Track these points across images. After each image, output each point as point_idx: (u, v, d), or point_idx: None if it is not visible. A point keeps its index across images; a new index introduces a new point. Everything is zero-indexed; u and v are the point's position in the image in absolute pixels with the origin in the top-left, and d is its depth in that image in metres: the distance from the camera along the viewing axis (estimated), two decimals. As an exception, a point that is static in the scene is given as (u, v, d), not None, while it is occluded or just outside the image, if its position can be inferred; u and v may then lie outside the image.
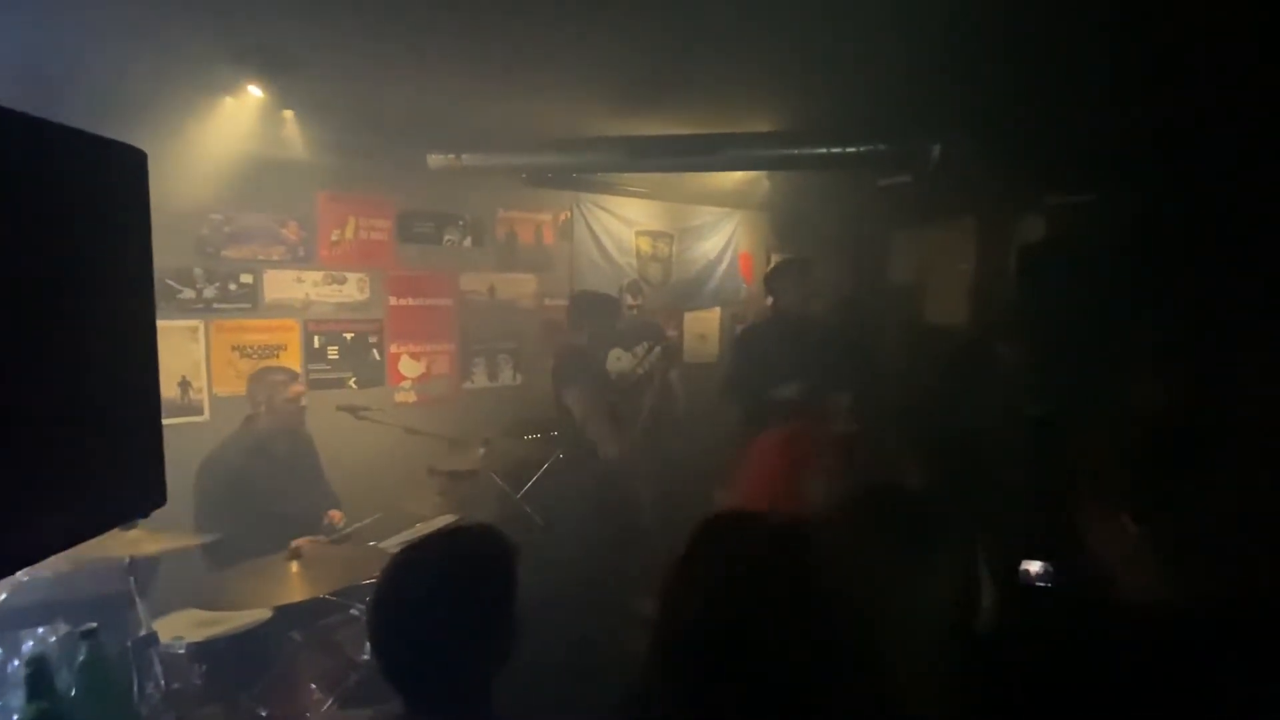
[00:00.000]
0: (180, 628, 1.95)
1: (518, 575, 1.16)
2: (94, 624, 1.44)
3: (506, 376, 4.06)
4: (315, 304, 3.43)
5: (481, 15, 2.17)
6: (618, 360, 3.71)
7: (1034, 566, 1.53)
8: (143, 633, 1.72)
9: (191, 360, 3.12)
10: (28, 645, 1.65)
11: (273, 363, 3.20)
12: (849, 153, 3.14)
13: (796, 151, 3.26)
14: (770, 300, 3.28)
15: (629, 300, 3.92)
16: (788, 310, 3.16)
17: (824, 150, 3.19)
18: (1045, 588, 1.52)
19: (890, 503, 1.24)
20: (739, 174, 4.36)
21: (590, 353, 3.44)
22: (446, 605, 1.07)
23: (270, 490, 2.56)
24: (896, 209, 3.97)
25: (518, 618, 1.15)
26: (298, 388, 2.72)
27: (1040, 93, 2.65)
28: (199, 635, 1.91)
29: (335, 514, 2.70)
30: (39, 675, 1.30)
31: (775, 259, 4.96)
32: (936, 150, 3.08)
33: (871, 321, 4.03)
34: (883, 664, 0.98)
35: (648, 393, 3.66)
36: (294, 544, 2.38)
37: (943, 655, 1.02)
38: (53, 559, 0.72)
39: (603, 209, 4.33)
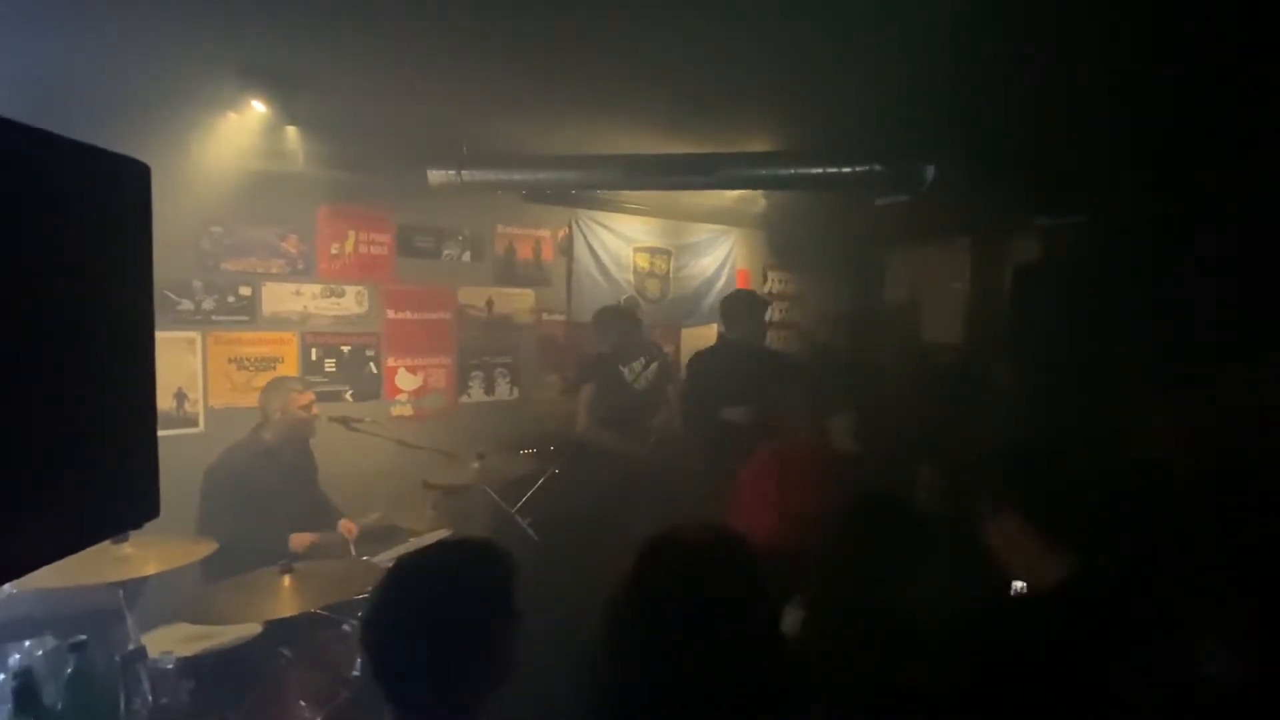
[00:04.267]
0: (169, 642, 1.92)
1: (514, 591, 1.15)
2: (82, 637, 1.43)
3: (503, 391, 4.06)
4: (313, 317, 3.44)
5: (483, 33, 2.21)
6: (615, 375, 3.72)
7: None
8: (131, 647, 1.70)
9: (188, 372, 3.12)
10: (15, 659, 1.63)
11: (271, 375, 3.20)
12: (845, 173, 3.18)
13: (793, 171, 3.30)
14: (721, 328, 3.39)
15: (638, 316, 3.95)
16: (736, 340, 3.26)
17: (820, 170, 3.23)
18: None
19: (883, 510, 1.25)
20: (737, 192, 4.41)
21: (611, 362, 3.54)
22: (441, 618, 1.07)
23: (274, 498, 2.58)
24: (892, 228, 4.01)
25: (513, 634, 1.14)
26: (309, 396, 2.77)
27: (1033, 114, 2.69)
28: (188, 650, 1.89)
29: (347, 524, 2.70)
30: (25, 689, 1.29)
31: (774, 277, 5.02)
32: (931, 171, 3.13)
33: (868, 338, 4.05)
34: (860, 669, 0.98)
35: (655, 414, 3.69)
36: (294, 538, 2.43)
37: (935, 658, 1.03)
38: (41, 571, 0.72)
39: (601, 225, 4.36)
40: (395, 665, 1.07)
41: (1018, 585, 1.26)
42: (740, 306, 3.35)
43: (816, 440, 2.57)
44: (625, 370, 3.67)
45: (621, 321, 3.65)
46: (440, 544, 1.27)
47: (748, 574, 0.97)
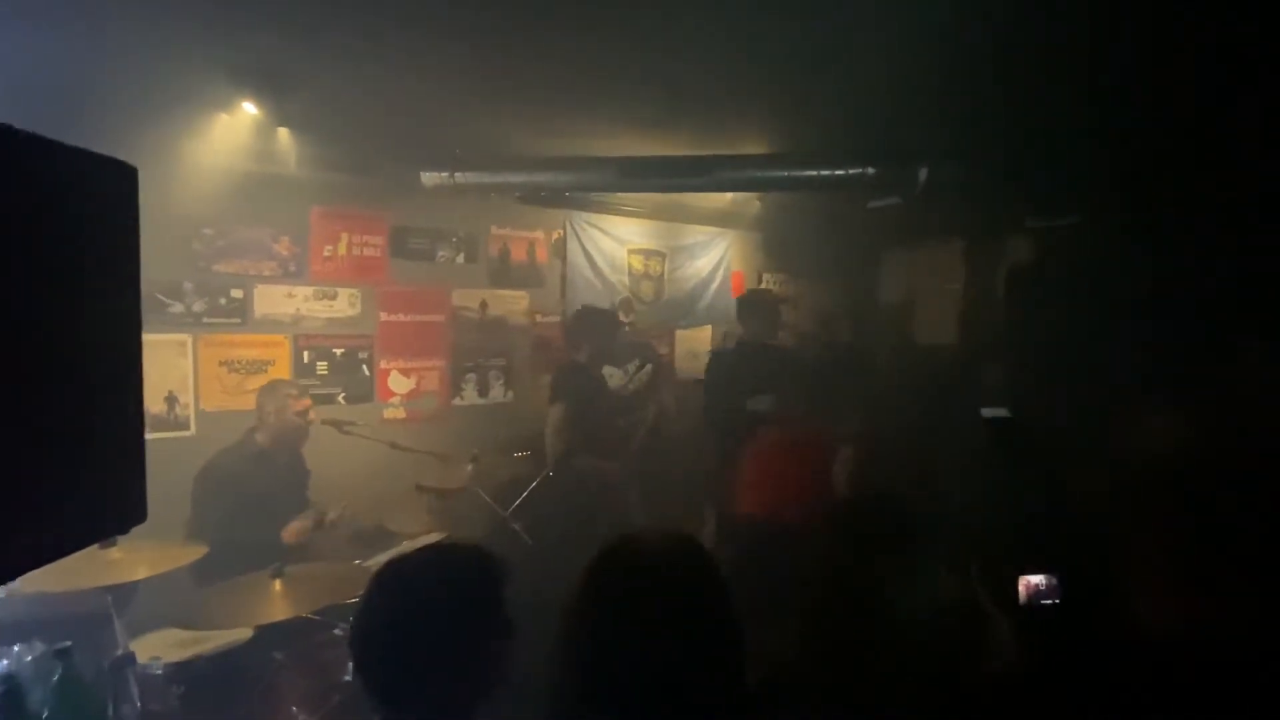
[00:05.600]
0: (158, 647, 1.91)
1: (504, 597, 1.14)
2: (68, 643, 1.42)
3: (497, 393, 4.05)
4: (305, 319, 3.42)
5: (477, 35, 2.21)
6: (609, 377, 3.72)
7: (1038, 580, 1.46)
8: (119, 652, 1.69)
9: (179, 375, 3.09)
10: (2, 664, 1.61)
11: (263, 378, 3.18)
12: (838, 175, 3.20)
13: (787, 173, 3.31)
14: (739, 328, 3.40)
15: (620, 318, 3.94)
16: (752, 338, 3.26)
17: (814, 172, 3.24)
18: (1051, 604, 1.46)
19: (878, 513, 1.25)
20: (731, 194, 4.42)
21: (587, 370, 3.46)
22: (430, 622, 1.06)
23: (265, 501, 2.57)
24: (886, 230, 4.03)
25: (503, 640, 1.13)
26: (306, 401, 2.76)
27: (1026, 116, 2.71)
28: (177, 655, 1.88)
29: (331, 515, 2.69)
30: (11, 695, 1.27)
31: (768, 278, 5.03)
32: (924, 173, 3.14)
33: (861, 339, 4.07)
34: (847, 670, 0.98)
35: (639, 410, 3.67)
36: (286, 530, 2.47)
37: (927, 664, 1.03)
38: (30, 575, 0.71)
39: (596, 227, 4.36)
40: (383, 668, 1.07)
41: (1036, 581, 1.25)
42: (756, 306, 3.34)
43: (818, 431, 2.63)
44: (618, 372, 3.67)
45: (602, 323, 3.55)
46: (430, 548, 1.26)
47: (706, 582, 0.97)
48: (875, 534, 1.21)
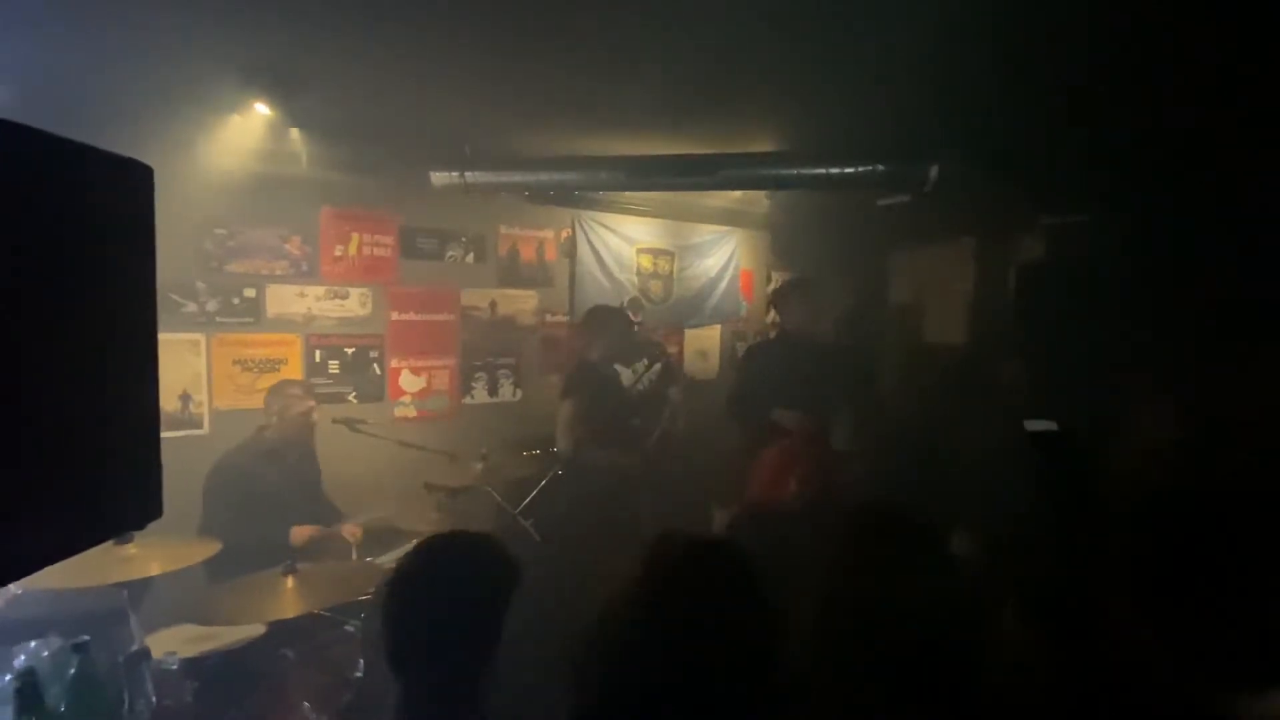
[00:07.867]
0: (173, 643, 1.93)
1: (512, 593, 1.17)
2: (85, 638, 1.43)
3: (506, 392, 4.07)
4: (317, 319, 3.45)
5: (487, 35, 2.21)
6: (618, 376, 3.72)
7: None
8: (135, 647, 1.71)
9: (192, 373, 3.13)
10: (20, 659, 1.63)
11: (275, 377, 3.21)
12: (847, 173, 3.17)
13: (796, 171, 3.30)
14: (775, 318, 3.32)
15: (630, 317, 3.95)
16: (793, 329, 3.20)
17: (823, 170, 3.22)
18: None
19: (886, 519, 1.24)
20: (740, 193, 4.41)
21: (598, 367, 3.45)
22: (460, 602, 1.14)
23: (276, 498, 2.59)
24: (895, 228, 4.00)
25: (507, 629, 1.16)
26: (310, 402, 2.77)
27: (1036, 112, 2.68)
28: (191, 651, 1.90)
29: (351, 528, 2.70)
30: (28, 690, 1.29)
31: (777, 277, 5.00)
32: (934, 171, 3.11)
33: (871, 339, 4.04)
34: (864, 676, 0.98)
35: (653, 409, 3.67)
36: (295, 531, 2.49)
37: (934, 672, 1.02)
38: (46, 571, 0.72)
39: (604, 226, 4.36)
40: (410, 645, 1.13)
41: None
42: (799, 294, 3.22)
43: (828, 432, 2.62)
44: (627, 371, 3.66)
45: (614, 323, 3.53)
46: (460, 535, 1.31)
47: (744, 583, 0.97)
48: (884, 538, 1.20)
